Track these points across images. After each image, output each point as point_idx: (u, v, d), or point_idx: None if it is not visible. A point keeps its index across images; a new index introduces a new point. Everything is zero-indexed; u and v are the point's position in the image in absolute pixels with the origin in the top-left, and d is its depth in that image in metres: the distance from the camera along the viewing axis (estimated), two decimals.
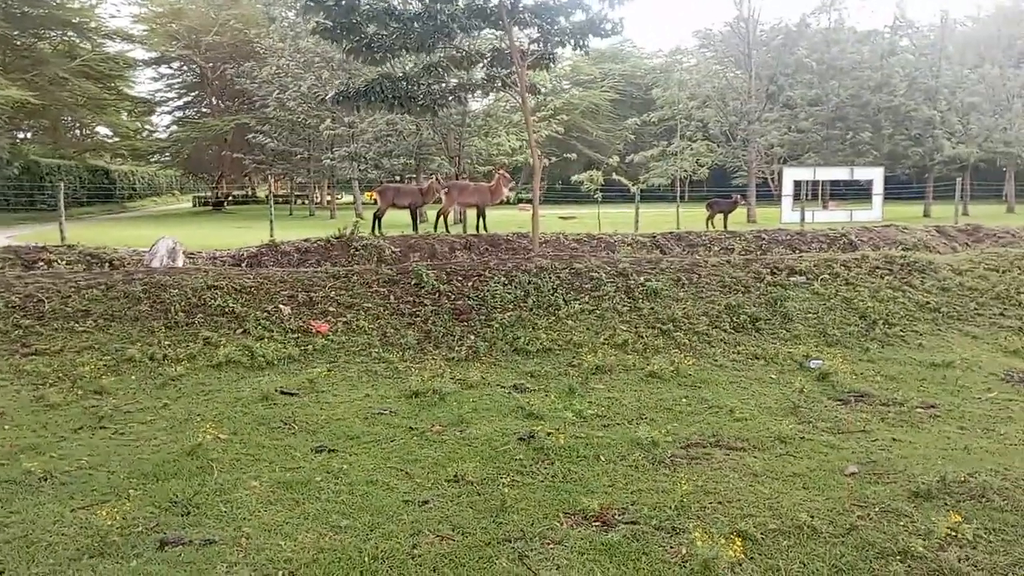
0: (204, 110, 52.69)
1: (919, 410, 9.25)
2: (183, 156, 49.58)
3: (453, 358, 11.01)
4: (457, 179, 37.36)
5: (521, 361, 11.04)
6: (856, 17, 73.02)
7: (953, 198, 28.02)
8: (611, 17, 15.17)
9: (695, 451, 7.74)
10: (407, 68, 15.98)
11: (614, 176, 38.54)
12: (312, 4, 13.08)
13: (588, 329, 12.11)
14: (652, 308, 12.75)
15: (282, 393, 9.30)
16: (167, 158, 51.81)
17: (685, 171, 39.89)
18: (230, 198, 52.24)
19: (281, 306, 11.89)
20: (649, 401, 9.56)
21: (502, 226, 22.37)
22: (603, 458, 7.45)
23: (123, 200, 53.61)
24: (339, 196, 51.07)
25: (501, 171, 20.41)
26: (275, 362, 10.39)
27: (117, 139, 52.42)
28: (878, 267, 14.62)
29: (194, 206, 52.89)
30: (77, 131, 53.79)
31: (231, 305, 11.70)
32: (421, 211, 20.57)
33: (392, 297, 12.62)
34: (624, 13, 15.05)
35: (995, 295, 14.02)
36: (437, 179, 19.54)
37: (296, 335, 11.28)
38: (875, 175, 34.21)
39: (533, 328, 11.93)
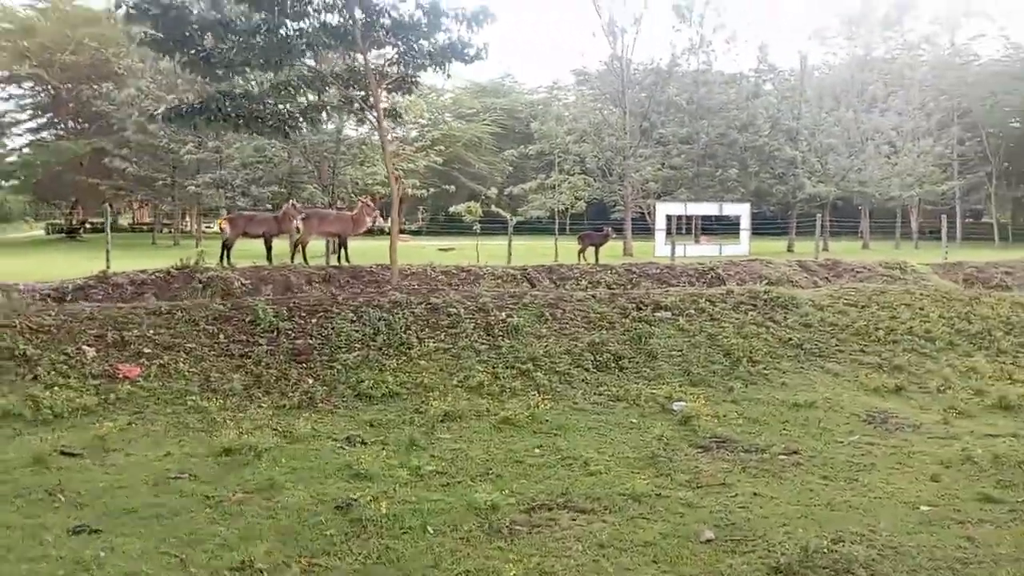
0: (59, 132, 49.02)
1: (782, 457, 8.59)
2: (33, 181, 45.81)
3: (284, 406, 9.70)
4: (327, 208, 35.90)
5: (362, 408, 9.84)
6: (723, 60, 75.62)
7: (815, 234, 28.62)
8: (474, 42, 14.34)
9: (539, 516, 6.74)
10: (259, 86, 14.62)
11: (493, 208, 38.04)
12: (134, 13, 11.62)
13: (441, 370, 11.03)
14: (512, 346, 11.81)
15: (63, 454, 7.76)
16: (16, 183, 47.76)
17: (563, 204, 39.65)
18: (86, 226, 48.63)
19: (85, 347, 10.28)
20: (499, 453, 8.54)
21: (377, 257, 21.16)
22: (431, 529, 6.34)
23: None
24: (208, 225, 48.42)
25: (364, 199, 19.20)
26: (64, 414, 8.79)
27: None
28: (742, 302, 14.22)
29: (47, 234, 48.98)
30: None
31: (21, 347, 9.98)
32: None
33: (222, 336, 11.18)
34: (487, 38, 14.30)
35: (855, 331, 13.80)
36: (293, 205, 18.12)
37: (98, 381, 9.69)
38: (742, 211, 34.73)
39: (380, 370, 10.76)
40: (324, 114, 15.12)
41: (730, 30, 42.14)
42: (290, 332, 11.45)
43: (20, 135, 50.76)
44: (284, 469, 7.66)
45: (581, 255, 21.62)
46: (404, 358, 11.16)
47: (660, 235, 32.27)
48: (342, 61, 14.92)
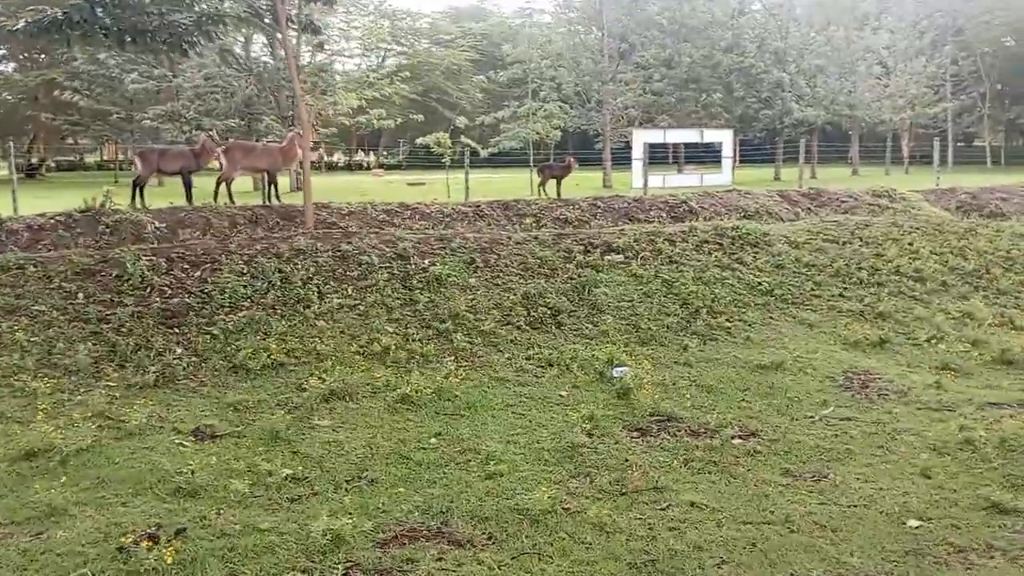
0: (16, 64, 46.06)
1: (736, 442, 6.81)
2: None
3: (136, 384, 7.83)
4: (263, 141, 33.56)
5: (233, 385, 7.99)
6: None
7: (804, 161, 26.53)
8: None
9: (395, 552, 4.95)
10: None
11: (462, 139, 35.67)
12: None
13: (342, 333, 9.16)
14: (431, 300, 9.92)
15: None
16: None
17: (538, 134, 37.24)
18: (48, 164, 46.00)
19: None
20: (384, 445, 6.74)
21: (346, 194, 19.31)
22: None
23: None
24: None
25: (295, 130, 17.03)
26: None
27: None
28: (706, 241, 12.30)
29: (9, 173, 46.43)
30: None
31: None
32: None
33: (81, 296, 9.23)
34: None
35: (834, 271, 11.94)
36: (211, 137, 15.96)
37: None
38: (724, 137, 32.58)
39: (265, 334, 8.87)
40: (222, 26, 12.83)
41: None
42: (165, 289, 9.52)
43: None
44: (88, 482, 5.83)
45: (541, 188, 19.54)
46: (298, 319, 9.27)
47: (637, 165, 30.09)
48: None
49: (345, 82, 35.17)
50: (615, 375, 8.44)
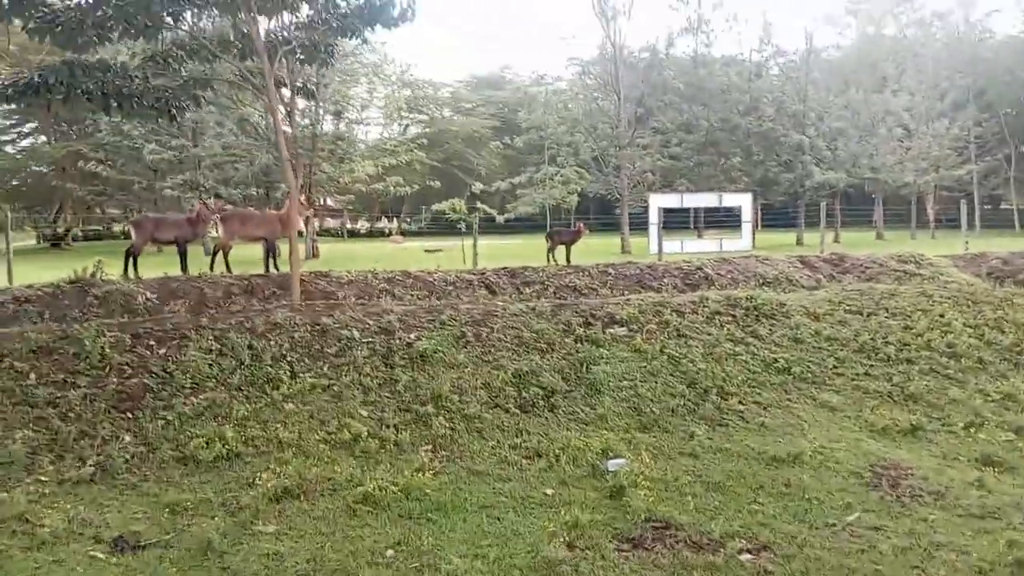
0: (42, 137, 46.71)
1: (743, 559, 5.73)
2: (6, 188, 43.45)
3: (69, 479, 6.93)
4: (311, 207, 33.22)
5: (177, 480, 7.06)
6: (724, 41, 72.18)
7: (826, 225, 25.52)
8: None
9: None
10: (132, 58, 11.91)
11: (478, 205, 35.16)
12: None
13: (311, 417, 8.23)
14: (413, 380, 8.98)
15: None
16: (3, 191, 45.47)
17: (554, 199, 36.67)
18: (74, 234, 46.17)
19: None
20: (331, 559, 5.75)
21: (361, 261, 18.64)
22: None
23: None
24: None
25: (297, 198, 16.42)
26: None
27: None
28: (718, 312, 11.30)
29: (38, 243, 46.66)
30: None
31: None
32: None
33: (33, 376, 8.42)
34: None
35: (858, 346, 10.86)
36: (205, 205, 15.40)
37: None
38: (744, 202, 31.65)
39: (224, 420, 7.97)
40: (211, 91, 12.30)
41: (730, 9, 38.97)
42: (125, 368, 8.68)
43: (10, 141, 48.37)
44: None
45: (551, 255, 18.72)
46: (264, 401, 8.37)
47: (653, 230, 29.28)
48: (233, 26, 12.22)
49: (364, 150, 35.04)
50: (609, 469, 7.41)
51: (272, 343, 9.28)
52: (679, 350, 10.04)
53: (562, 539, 5.98)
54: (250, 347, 9.13)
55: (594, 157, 37.27)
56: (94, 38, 10.83)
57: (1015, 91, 47.29)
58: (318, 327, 9.75)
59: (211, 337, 9.30)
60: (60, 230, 43.92)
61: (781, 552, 5.86)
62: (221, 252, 15.72)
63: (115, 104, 11.58)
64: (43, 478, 6.95)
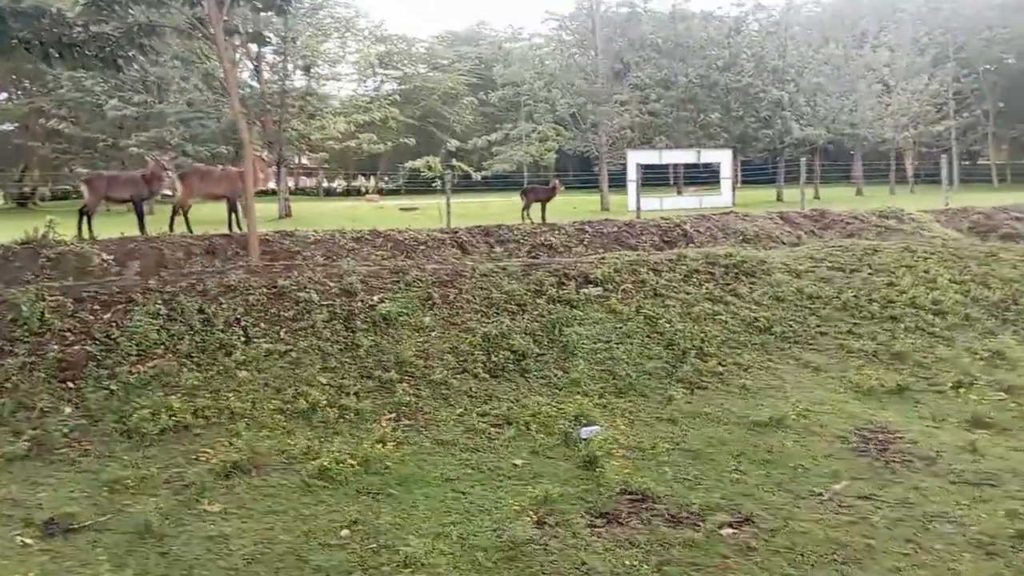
0: (2, 94, 45.03)
1: (723, 533, 5.32)
2: None
3: (2, 456, 6.37)
4: (277, 168, 32.28)
5: (119, 454, 6.51)
6: None
7: (806, 181, 25.04)
8: None
9: None
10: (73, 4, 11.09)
11: (454, 163, 34.36)
12: None
13: (266, 386, 7.69)
14: (376, 344, 8.45)
15: None
16: None
17: (532, 156, 35.90)
18: (41, 194, 44.72)
19: None
20: (281, 541, 5.27)
21: (334, 220, 18.00)
22: None
23: None
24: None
25: (256, 153, 15.69)
26: None
27: None
28: (697, 271, 10.82)
29: (4, 203, 45.28)
30: None
31: None
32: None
33: None
34: None
35: (841, 304, 10.44)
36: (157, 162, 14.60)
37: None
38: (723, 158, 31.17)
39: (171, 389, 7.42)
40: (156, 39, 11.45)
41: None
42: (67, 335, 8.07)
43: None
44: None
45: (525, 212, 18.13)
46: (216, 369, 7.81)
47: (632, 187, 28.73)
48: None
49: (336, 106, 34.02)
50: (583, 437, 6.96)
51: (225, 307, 8.69)
52: (656, 310, 9.57)
53: (531, 516, 5.54)
54: (201, 311, 8.53)
55: (572, 114, 36.43)
56: None
57: (994, 48, 46.81)
58: (275, 289, 9.16)
59: (159, 301, 8.69)
60: (26, 190, 42.62)
61: (765, 525, 5.45)
62: (181, 211, 15.01)
63: (56, 54, 10.76)
64: None
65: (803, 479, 6.23)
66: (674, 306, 9.74)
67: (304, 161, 54.88)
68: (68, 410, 7.11)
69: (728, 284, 10.54)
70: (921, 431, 7.22)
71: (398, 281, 9.69)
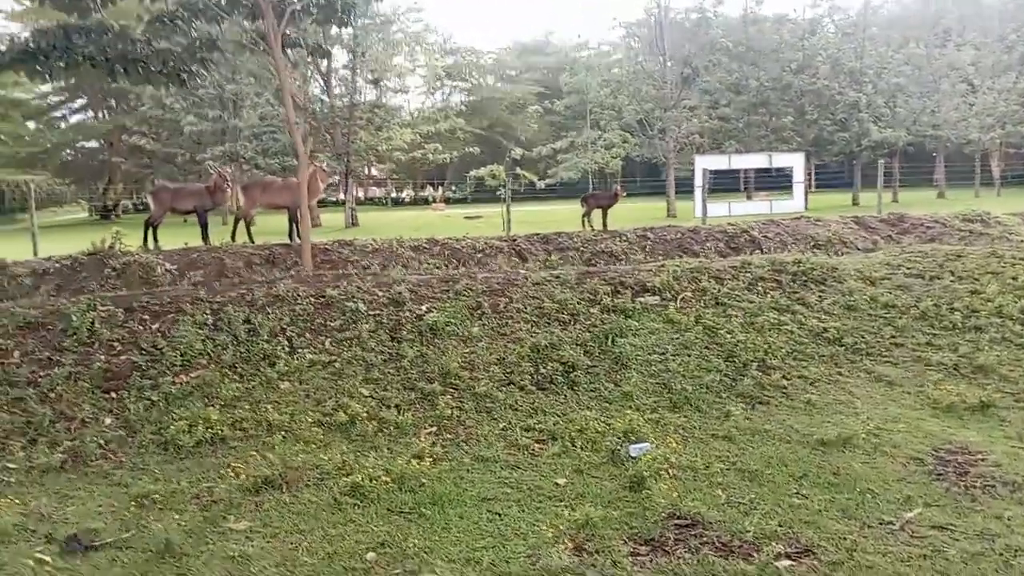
0: (92, 112, 47.00)
1: (780, 566, 4.82)
2: (57, 162, 43.91)
3: (38, 467, 6.32)
4: (345, 178, 32.67)
5: (153, 467, 6.40)
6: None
7: (884, 185, 23.87)
8: None
9: None
10: (140, 21, 11.24)
11: (518, 171, 34.17)
12: None
13: (307, 397, 7.50)
14: (421, 355, 8.18)
15: None
16: (56, 166, 45.90)
17: (597, 163, 35.39)
18: (124, 206, 46.45)
19: None
20: (305, 564, 5.02)
21: (398, 229, 18.06)
22: None
23: (14, 212, 47.69)
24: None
25: (317, 164, 15.72)
26: None
27: None
28: (762, 278, 10.23)
29: (89, 215, 47.25)
30: None
31: None
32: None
33: (17, 354, 7.86)
34: None
35: (919, 313, 9.70)
36: (220, 173, 14.77)
37: None
38: (795, 162, 29.87)
39: (210, 400, 7.29)
40: (217, 53, 11.54)
41: None
42: (114, 345, 8.06)
43: (60, 117, 48.75)
44: None
45: (586, 219, 17.72)
46: (258, 380, 7.66)
47: (698, 192, 27.96)
48: None
49: (403, 118, 34.30)
50: (631, 454, 6.52)
51: (272, 317, 8.56)
52: (716, 320, 9.04)
53: (569, 541, 5.14)
54: (247, 321, 8.43)
55: (639, 120, 35.80)
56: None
57: None
58: (323, 299, 9.00)
59: (208, 311, 8.63)
60: (110, 203, 44.29)
61: (826, 558, 4.92)
62: (243, 222, 15.14)
63: (121, 70, 10.93)
64: (11, 465, 6.37)
65: (871, 505, 5.65)
66: (736, 316, 9.19)
67: (373, 171, 55.58)
68: (108, 420, 7.05)
69: (795, 292, 9.91)
70: (1006, 452, 6.53)
71: (447, 290, 9.42)
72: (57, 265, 12.84)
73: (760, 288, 9.94)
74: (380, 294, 9.19)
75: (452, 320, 8.72)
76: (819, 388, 7.97)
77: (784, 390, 7.88)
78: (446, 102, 49.81)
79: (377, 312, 8.81)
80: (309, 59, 32.57)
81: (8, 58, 9.98)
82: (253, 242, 14.72)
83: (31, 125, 48.85)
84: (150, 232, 14.51)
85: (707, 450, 6.68)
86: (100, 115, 45.63)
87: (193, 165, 38.45)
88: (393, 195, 58.15)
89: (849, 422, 7.12)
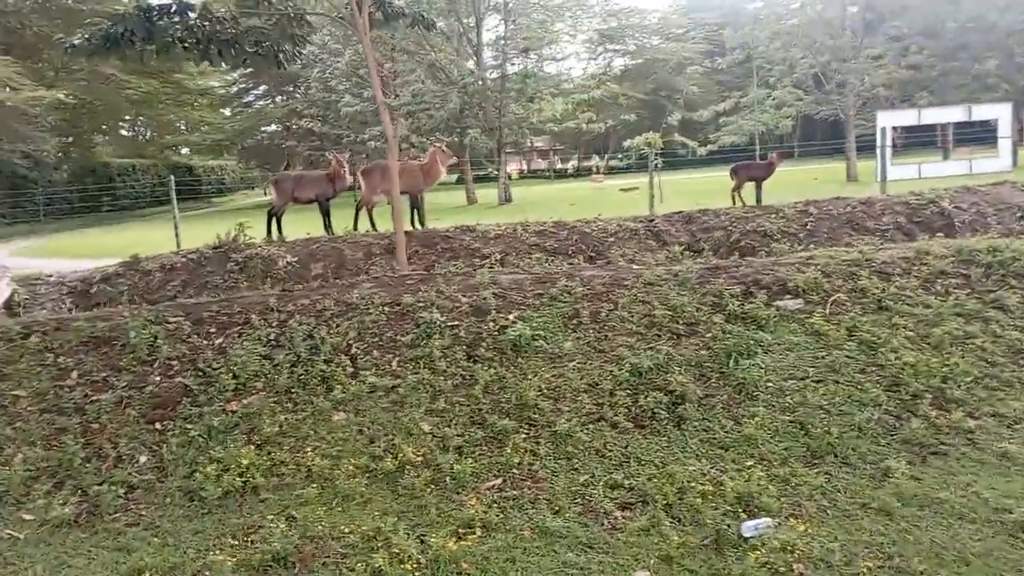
0: (264, 98, 49.12)
1: None
2: (240, 147, 46.17)
3: (50, 520, 5.54)
4: (497, 153, 31.68)
5: (166, 529, 5.43)
6: None
7: None
8: None
9: None
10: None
11: (676, 137, 31.67)
12: None
13: (361, 433, 6.30)
14: (498, 378, 6.74)
15: None
16: (237, 150, 48.56)
17: (765, 124, 32.12)
18: None
19: None
20: None
21: (551, 204, 17.00)
22: None
23: (210, 196, 51.08)
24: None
25: (437, 145, 14.58)
26: None
27: (186, 134, 49.62)
28: (943, 272, 7.87)
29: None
30: (142, 129, 51.47)
31: None
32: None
33: (76, 374, 7.24)
34: None
35: None
36: (338, 160, 14.00)
37: None
38: (1001, 113, 25.46)
39: (253, 435, 6.27)
40: (307, 27, 10.56)
41: None
42: (172, 363, 7.24)
43: (244, 104, 51.40)
44: None
45: (736, 193, 15.46)
46: (310, 410, 6.56)
47: (880, 154, 24.39)
48: None
49: (554, 87, 32.73)
50: (744, 535, 4.80)
51: (337, 330, 7.44)
52: (877, 332, 6.90)
53: None
54: (309, 337, 7.35)
55: (814, 74, 32.05)
56: None
57: None
58: (397, 307, 7.77)
59: (275, 323, 7.65)
60: None
61: None
62: (365, 208, 14.33)
63: (216, 51, 10.23)
64: (27, 516, 5.64)
65: None
66: (905, 326, 7.00)
67: (537, 143, 54.47)
68: (143, 459, 6.21)
69: (990, 292, 7.51)
70: None
71: (542, 294, 7.90)
72: (184, 260, 12.60)
73: (940, 286, 7.62)
74: (463, 300, 7.83)
75: (540, 333, 7.21)
76: (1022, 433, 5.76)
77: (970, 436, 5.75)
78: (608, 67, 47.55)
79: (455, 323, 7.47)
80: (461, 31, 31.75)
81: (92, 44, 9.46)
82: (375, 229, 13.90)
83: (226, 112, 51.96)
84: (273, 222, 14.05)
85: (852, 530, 4.82)
86: (278, 100, 47.53)
87: (359, 146, 38.97)
88: (557, 167, 56.92)
89: None
